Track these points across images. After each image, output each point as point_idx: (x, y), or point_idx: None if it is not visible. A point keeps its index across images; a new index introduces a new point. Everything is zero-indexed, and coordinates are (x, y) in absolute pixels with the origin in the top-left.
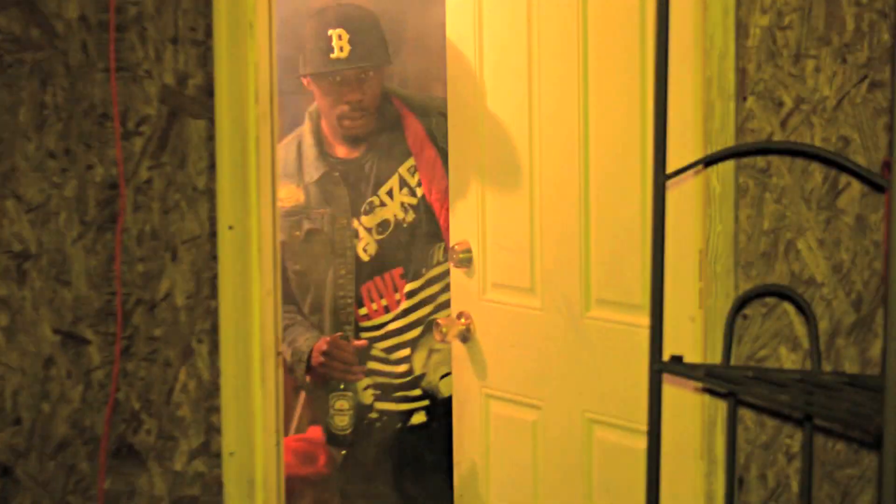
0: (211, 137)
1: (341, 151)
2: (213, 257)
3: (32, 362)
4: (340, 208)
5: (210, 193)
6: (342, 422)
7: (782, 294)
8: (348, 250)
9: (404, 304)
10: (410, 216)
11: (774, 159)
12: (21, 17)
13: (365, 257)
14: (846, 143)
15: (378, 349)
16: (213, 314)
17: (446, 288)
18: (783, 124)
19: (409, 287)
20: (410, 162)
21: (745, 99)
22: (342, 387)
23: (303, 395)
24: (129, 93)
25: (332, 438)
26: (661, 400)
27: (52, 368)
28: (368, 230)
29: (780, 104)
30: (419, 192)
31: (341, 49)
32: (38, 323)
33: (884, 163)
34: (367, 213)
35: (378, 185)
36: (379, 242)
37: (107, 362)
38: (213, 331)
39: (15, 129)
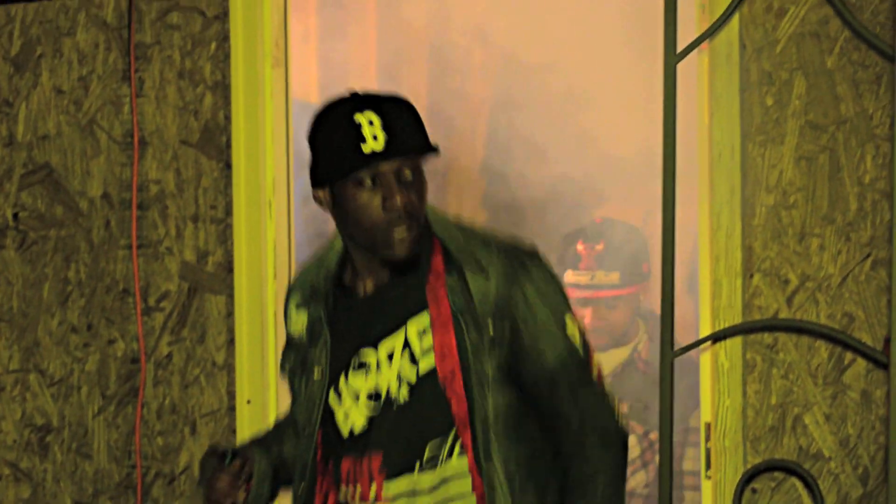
0: (230, 313)
1: (361, 287)
2: (232, 430)
3: None
4: (320, 355)
5: (229, 368)
6: None
7: (789, 469)
8: (315, 411)
9: None
10: (404, 393)
11: (781, 335)
12: (45, 194)
13: (345, 431)
14: (851, 320)
15: None
16: None
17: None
18: (789, 301)
19: (392, 489)
20: (424, 319)
21: (751, 276)
22: None
23: None
24: (150, 269)
25: None
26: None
27: None
28: (355, 396)
29: (786, 281)
30: (425, 364)
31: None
32: (58, 495)
33: (885, 339)
34: (357, 369)
35: (379, 335)
36: (369, 418)
37: None
38: None
39: (39, 304)
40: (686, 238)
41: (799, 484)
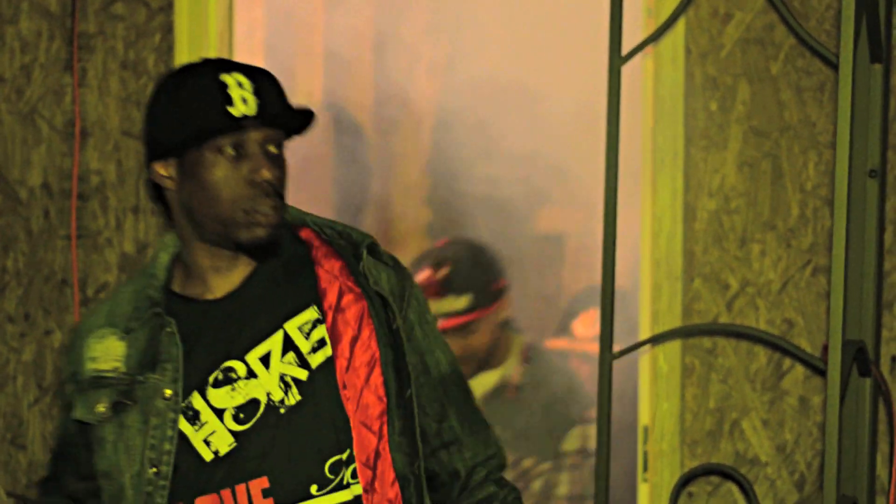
0: None
1: (205, 291)
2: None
3: None
4: (168, 378)
5: None
6: None
7: (726, 473)
8: (166, 442)
9: None
10: (293, 397)
11: (720, 340)
12: None
13: (208, 455)
14: (790, 326)
15: None
16: None
17: None
18: (729, 306)
19: None
20: (309, 314)
21: (692, 280)
22: None
23: None
24: (90, 260)
25: None
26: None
27: None
28: (219, 413)
29: (727, 286)
30: (317, 359)
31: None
32: None
33: (823, 346)
34: (218, 385)
35: (249, 344)
36: (239, 435)
37: None
38: None
39: None
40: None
41: (735, 489)
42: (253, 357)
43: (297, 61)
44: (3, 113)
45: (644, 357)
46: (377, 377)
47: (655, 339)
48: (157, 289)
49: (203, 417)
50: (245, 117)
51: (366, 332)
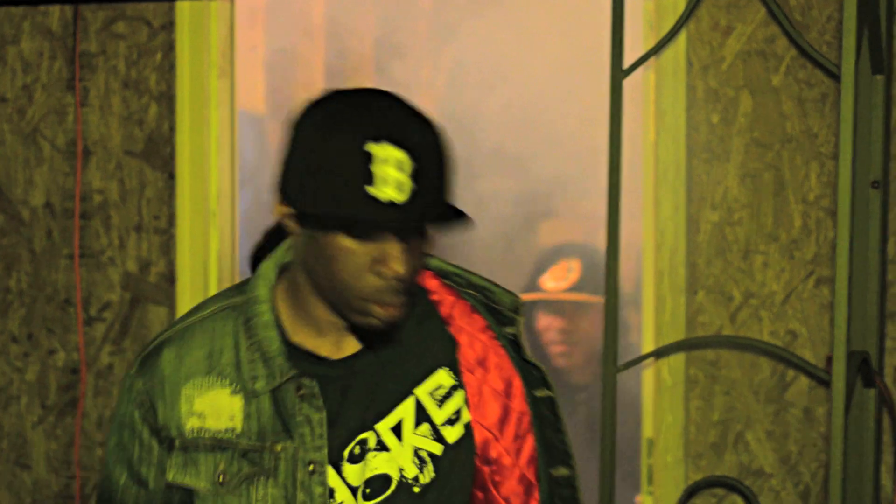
0: None
1: (327, 347)
2: None
3: None
4: (310, 445)
5: None
6: None
7: (731, 486)
8: None
9: None
10: (428, 475)
11: (724, 352)
12: None
13: None
14: (794, 337)
15: None
16: None
17: None
18: (732, 318)
19: None
20: (441, 378)
21: (695, 293)
22: None
23: None
24: (93, 279)
25: None
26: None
27: None
28: (353, 491)
29: (730, 298)
30: (454, 432)
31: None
32: None
33: (827, 357)
34: (354, 460)
35: (378, 413)
36: None
37: None
38: None
39: None
40: (630, 254)
41: (740, 501)
42: (384, 427)
43: (299, 78)
44: (6, 133)
45: (648, 370)
46: (528, 454)
47: (659, 353)
48: (276, 339)
49: (338, 497)
50: (391, 205)
51: (516, 404)
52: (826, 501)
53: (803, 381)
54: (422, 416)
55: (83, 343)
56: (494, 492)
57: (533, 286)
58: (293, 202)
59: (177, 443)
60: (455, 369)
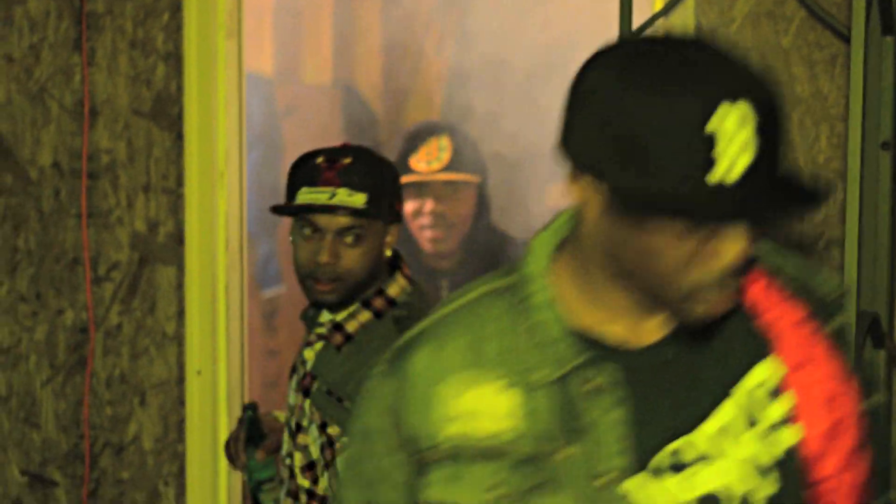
0: (180, 284)
1: (621, 332)
2: (181, 402)
3: None
4: (605, 452)
5: (179, 339)
6: None
7: None
8: None
9: None
10: (764, 490)
11: None
12: None
13: None
14: None
15: None
16: (180, 458)
17: None
18: None
19: None
20: (764, 373)
21: None
22: None
23: None
24: (101, 239)
25: None
26: None
27: None
28: None
29: None
30: (787, 437)
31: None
32: (6, 465)
33: None
34: (665, 473)
35: (696, 415)
36: None
37: None
38: (180, 474)
39: None
40: None
41: None
42: (704, 433)
43: (307, 41)
44: (13, 93)
45: None
46: (861, 474)
47: None
48: (556, 322)
49: None
50: (738, 185)
51: (848, 412)
52: None
53: None
54: (747, 420)
55: (91, 303)
56: None
57: (404, 168)
58: (605, 176)
59: (432, 455)
60: (773, 366)
